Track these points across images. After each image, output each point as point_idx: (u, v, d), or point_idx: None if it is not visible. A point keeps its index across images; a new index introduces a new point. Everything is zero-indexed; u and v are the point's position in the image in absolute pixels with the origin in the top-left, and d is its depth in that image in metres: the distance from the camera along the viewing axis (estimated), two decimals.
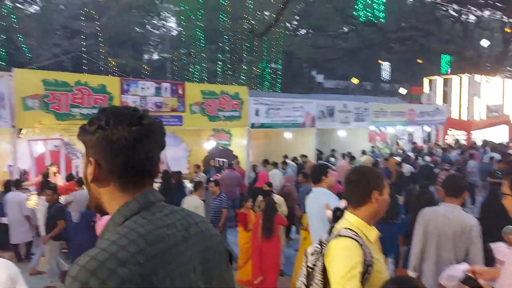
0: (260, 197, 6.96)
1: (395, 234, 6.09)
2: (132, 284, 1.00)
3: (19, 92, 8.27)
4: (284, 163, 12.03)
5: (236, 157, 12.41)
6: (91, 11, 28.41)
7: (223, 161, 12.69)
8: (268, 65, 32.54)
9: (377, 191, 2.09)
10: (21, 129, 8.72)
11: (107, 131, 1.11)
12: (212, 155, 13.06)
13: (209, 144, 13.33)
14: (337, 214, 2.93)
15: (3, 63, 22.45)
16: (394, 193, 5.92)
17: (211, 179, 8.86)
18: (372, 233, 2.08)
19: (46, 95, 8.54)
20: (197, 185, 7.37)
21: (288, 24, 34.87)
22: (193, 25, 29.57)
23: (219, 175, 10.73)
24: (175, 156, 12.41)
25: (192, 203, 6.88)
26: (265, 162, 11.95)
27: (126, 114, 1.14)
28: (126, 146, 1.11)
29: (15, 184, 8.27)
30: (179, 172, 9.98)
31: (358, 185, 2.12)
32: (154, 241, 1.09)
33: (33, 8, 29.90)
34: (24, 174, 10.34)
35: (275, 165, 11.55)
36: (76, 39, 28.07)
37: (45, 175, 9.03)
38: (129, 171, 1.14)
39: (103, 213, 1.22)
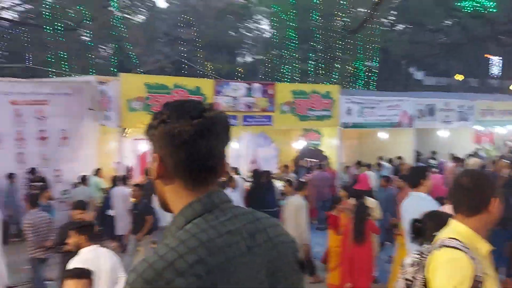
0: (353, 200, 6.66)
1: (505, 241, 5.49)
2: None
3: (124, 95, 8.98)
4: (379, 164, 11.48)
5: (326, 157, 12.15)
6: (190, 19, 30.05)
7: (313, 162, 12.51)
8: (362, 63, 31.48)
9: (496, 198, 1.83)
10: (126, 129, 9.49)
11: (169, 125, 1.08)
12: (302, 155, 12.96)
13: (299, 144, 13.24)
14: (416, 225, 2.66)
15: (114, 70, 24.72)
16: (508, 198, 5.25)
17: (301, 179, 8.75)
18: (484, 246, 1.82)
19: (147, 97, 9.16)
20: (301, 185, 7.19)
21: (384, 20, 33.41)
22: (285, 25, 29.74)
23: (309, 175, 10.58)
24: (265, 156, 12.54)
25: (294, 202, 6.77)
26: (358, 163, 11.51)
27: (188, 107, 1.10)
28: (187, 140, 1.07)
29: (121, 179, 9.01)
30: (268, 172, 10.02)
31: (473, 192, 1.85)
32: (216, 250, 1.02)
33: (140, 18, 32.52)
34: (129, 170, 11.23)
35: (368, 166, 11.07)
36: (177, 45, 29.96)
37: (147, 172, 9.67)
38: (191, 167, 1.09)
39: (170, 212, 1.17)
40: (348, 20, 30.62)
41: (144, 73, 19.82)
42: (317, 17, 29.79)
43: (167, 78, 10.24)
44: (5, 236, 6.12)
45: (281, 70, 29.91)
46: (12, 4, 30.36)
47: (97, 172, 9.98)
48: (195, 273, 0.97)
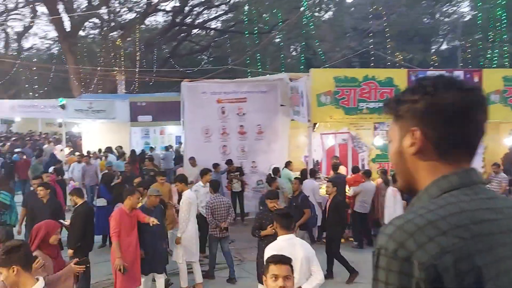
0: None
1: None
2: (452, 257, 0.92)
3: (314, 90, 9.12)
4: None
5: None
6: (380, 10, 28.95)
7: None
8: None
9: None
10: (315, 123, 9.64)
11: (436, 97, 1.04)
12: None
13: (511, 140, 11.28)
14: None
15: (302, 67, 25.68)
16: None
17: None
18: None
19: (336, 91, 9.11)
20: None
21: None
22: (492, 4, 25.83)
23: None
24: None
25: None
26: None
27: (453, 80, 1.07)
28: (457, 113, 1.03)
29: (310, 173, 9.22)
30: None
31: None
32: (478, 220, 0.97)
33: (328, 15, 32.97)
34: (317, 164, 11.46)
35: None
36: (365, 38, 29.28)
37: (335, 167, 9.66)
38: (456, 142, 1.05)
39: (412, 192, 1.12)
40: None
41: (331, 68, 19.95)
42: None
43: (357, 71, 10.00)
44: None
45: (487, 55, 26.16)
46: (218, 15, 34.69)
47: (288, 164, 10.44)
48: (459, 235, 0.94)
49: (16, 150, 15.57)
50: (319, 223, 8.56)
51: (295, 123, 10.97)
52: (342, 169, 9.91)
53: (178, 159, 14.69)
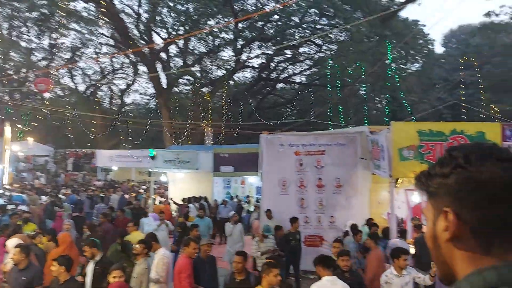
0: None
1: None
2: None
3: (396, 144, 8.72)
4: None
5: None
6: (472, 60, 27.61)
7: None
8: None
9: None
10: (398, 178, 9.12)
11: (470, 170, 0.86)
12: None
13: None
14: None
15: (387, 119, 24.96)
16: None
17: None
18: None
19: (420, 146, 8.61)
20: None
21: None
22: None
23: None
24: None
25: None
26: None
27: (490, 148, 0.89)
28: (501, 188, 0.83)
29: (400, 233, 8.62)
30: None
31: None
32: None
33: (415, 66, 32.15)
34: (401, 222, 10.70)
35: None
36: (456, 89, 27.86)
37: (419, 227, 8.95)
38: (503, 225, 0.84)
39: (452, 283, 0.90)
40: None
41: (417, 121, 19.09)
42: None
43: (443, 124, 9.40)
44: None
45: None
46: (302, 69, 35.63)
47: (368, 221, 9.89)
48: None
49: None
50: None
51: (376, 178, 10.49)
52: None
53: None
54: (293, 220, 9.70)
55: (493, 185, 0.84)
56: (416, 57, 31.48)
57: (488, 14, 27.42)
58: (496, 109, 23.01)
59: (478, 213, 0.85)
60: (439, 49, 37.22)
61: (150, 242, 6.42)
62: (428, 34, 32.07)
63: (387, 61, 27.33)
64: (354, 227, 9.34)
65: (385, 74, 26.60)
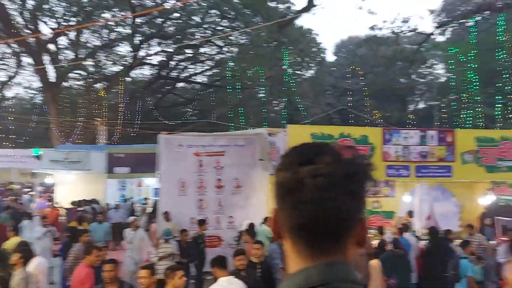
0: None
1: None
2: None
3: (291, 145, 9.13)
4: None
5: None
6: (358, 69, 30.17)
7: (504, 220, 10.49)
8: None
9: None
10: None
11: (278, 174, 0.89)
12: (490, 213, 11.01)
13: (486, 200, 11.34)
14: None
15: (284, 122, 26.14)
16: None
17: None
18: None
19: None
20: None
21: None
22: (465, 67, 27.17)
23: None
24: (444, 212, 11.08)
25: None
26: None
27: (301, 152, 0.89)
28: (290, 192, 0.85)
29: None
30: (449, 231, 8.77)
31: None
32: None
33: (309, 73, 34.13)
34: None
35: None
36: (344, 96, 30.24)
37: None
38: (298, 227, 0.85)
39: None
40: None
41: (311, 124, 20.32)
42: (504, 56, 26.40)
43: (333, 128, 10.14)
44: None
45: (461, 115, 27.10)
46: (203, 69, 35.59)
47: (266, 220, 10.20)
48: None
49: None
50: None
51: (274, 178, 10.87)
52: None
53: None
54: (201, 222, 9.68)
55: (284, 188, 0.86)
56: (310, 64, 33.47)
57: (372, 28, 30.17)
58: (378, 115, 25.45)
59: (279, 212, 0.89)
60: (331, 57, 40.01)
61: (28, 251, 5.87)
62: (321, 43, 34.34)
63: (283, 66, 28.61)
64: (251, 226, 9.56)
65: (282, 79, 27.79)
